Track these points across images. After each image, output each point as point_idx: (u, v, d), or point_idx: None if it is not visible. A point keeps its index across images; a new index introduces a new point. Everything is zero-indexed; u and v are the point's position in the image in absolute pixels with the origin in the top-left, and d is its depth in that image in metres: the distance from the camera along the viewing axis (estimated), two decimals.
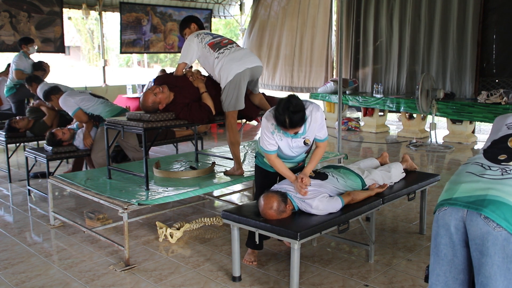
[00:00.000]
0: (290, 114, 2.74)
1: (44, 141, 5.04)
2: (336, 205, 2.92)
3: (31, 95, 6.44)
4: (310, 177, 3.04)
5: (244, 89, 3.80)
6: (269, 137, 2.97)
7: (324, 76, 10.36)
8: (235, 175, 3.97)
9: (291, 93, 3.24)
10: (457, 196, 1.84)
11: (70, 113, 4.94)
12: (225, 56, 3.75)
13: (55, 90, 5.21)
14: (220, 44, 3.86)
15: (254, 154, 3.35)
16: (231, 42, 3.92)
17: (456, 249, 1.85)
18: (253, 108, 4.06)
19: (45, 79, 6.70)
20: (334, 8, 10.27)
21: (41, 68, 6.54)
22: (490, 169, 1.89)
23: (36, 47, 6.88)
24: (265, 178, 3.26)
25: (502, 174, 1.84)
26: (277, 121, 2.83)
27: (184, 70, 4.00)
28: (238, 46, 3.91)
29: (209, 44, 3.85)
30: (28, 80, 6.01)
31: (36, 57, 7.05)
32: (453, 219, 1.82)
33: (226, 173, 4.06)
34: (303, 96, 9.61)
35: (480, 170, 1.91)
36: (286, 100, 2.77)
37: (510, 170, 1.86)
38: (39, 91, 5.77)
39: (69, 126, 5.27)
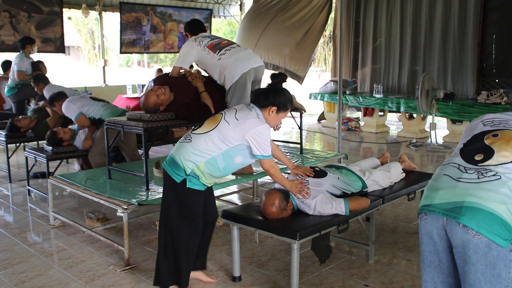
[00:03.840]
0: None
1: (44, 141, 5.04)
2: (338, 208, 2.84)
3: (32, 96, 6.44)
4: (309, 177, 3.03)
5: (249, 89, 3.82)
6: (269, 140, 2.77)
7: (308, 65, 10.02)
8: (245, 174, 3.96)
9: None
10: (436, 203, 1.81)
11: (72, 119, 4.99)
12: (228, 57, 3.77)
13: (59, 97, 5.26)
14: (219, 45, 3.88)
15: (182, 178, 2.67)
16: (230, 43, 3.94)
17: (441, 256, 1.85)
18: None
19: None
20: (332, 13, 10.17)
21: (39, 69, 6.55)
22: (467, 172, 1.83)
23: (36, 48, 6.89)
24: (202, 200, 2.81)
25: (478, 178, 1.79)
26: (290, 101, 2.83)
27: (182, 71, 4.01)
28: (239, 46, 3.93)
29: (208, 47, 3.87)
30: (36, 79, 6.01)
31: (36, 57, 7.05)
32: (434, 228, 1.81)
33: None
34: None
35: (456, 173, 1.86)
36: (278, 83, 3.02)
37: (485, 172, 1.80)
38: (46, 92, 5.78)
39: (70, 127, 5.26)
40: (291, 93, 4.77)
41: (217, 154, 2.65)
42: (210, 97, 3.83)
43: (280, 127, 3.49)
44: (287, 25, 9.69)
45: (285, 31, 9.70)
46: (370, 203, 3.06)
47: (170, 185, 2.73)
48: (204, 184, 2.75)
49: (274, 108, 2.74)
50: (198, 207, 2.76)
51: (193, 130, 2.78)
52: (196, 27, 4.14)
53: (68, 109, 4.95)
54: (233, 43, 3.96)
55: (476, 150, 1.91)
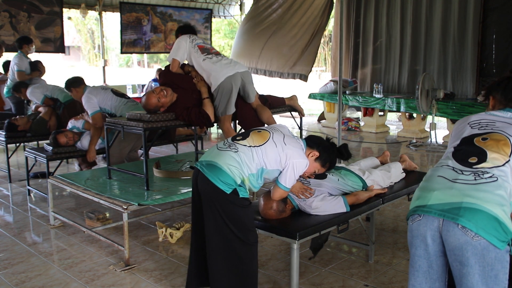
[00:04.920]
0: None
1: (44, 141, 5.02)
2: (337, 206, 2.86)
3: None
4: (310, 178, 3.03)
5: (235, 94, 3.88)
6: (297, 177, 2.71)
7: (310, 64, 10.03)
8: None
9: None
10: (431, 203, 1.77)
11: (89, 113, 4.75)
12: (213, 62, 3.87)
13: (77, 83, 5.06)
14: (208, 50, 4.01)
15: (232, 188, 2.49)
16: (218, 53, 4.06)
17: (431, 260, 1.82)
18: (260, 125, 4.01)
19: (41, 78, 6.70)
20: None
21: (37, 69, 6.56)
22: (463, 173, 1.81)
23: (33, 48, 6.89)
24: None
25: (475, 179, 1.77)
26: (332, 165, 2.82)
27: (189, 69, 4.05)
28: (225, 57, 4.04)
29: (198, 46, 4.00)
30: (16, 88, 6.02)
31: (35, 57, 7.05)
32: (428, 229, 1.77)
33: None
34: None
35: (452, 175, 1.83)
36: (332, 144, 2.85)
37: (482, 173, 1.79)
38: (29, 93, 5.77)
39: (73, 121, 5.15)
40: (292, 93, 4.83)
41: (258, 170, 2.59)
42: (212, 104, 3.85)
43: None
44: (291, 35, 9.73)
45: (289, 42, 9.76)
46: (367, 196, 3.06)
47: (215, 198, 2.48)
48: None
49: (317, 154, 2.71)
50: (252, 219, 2.67)
51: (236, 139, 2.66)
52: (188, 29, 4.28)
53: (88, 100, 4.68)
54: (221, 54, 4.06)
55: (469, 153, 1.89)
